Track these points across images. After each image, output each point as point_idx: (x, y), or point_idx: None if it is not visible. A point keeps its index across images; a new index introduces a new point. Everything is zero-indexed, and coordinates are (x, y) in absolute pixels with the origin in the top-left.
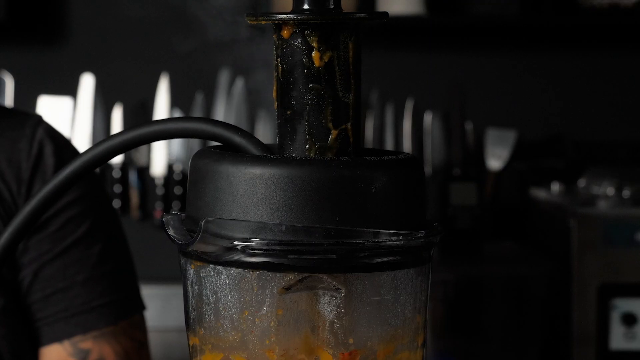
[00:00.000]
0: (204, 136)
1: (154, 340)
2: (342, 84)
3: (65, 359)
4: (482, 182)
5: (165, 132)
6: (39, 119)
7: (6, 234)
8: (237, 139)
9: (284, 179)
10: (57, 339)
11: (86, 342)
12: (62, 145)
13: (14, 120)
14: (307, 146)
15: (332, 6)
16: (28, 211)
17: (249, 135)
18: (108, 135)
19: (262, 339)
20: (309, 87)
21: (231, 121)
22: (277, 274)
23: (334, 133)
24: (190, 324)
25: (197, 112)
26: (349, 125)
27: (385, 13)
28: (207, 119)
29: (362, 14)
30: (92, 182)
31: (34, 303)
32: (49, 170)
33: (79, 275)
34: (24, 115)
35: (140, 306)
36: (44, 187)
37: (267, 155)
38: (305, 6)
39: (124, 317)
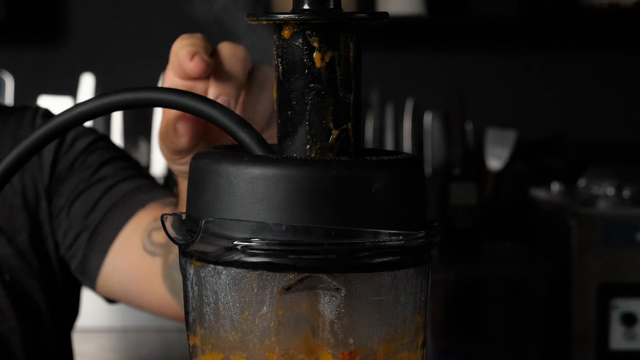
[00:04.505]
0: (210, 120)
1: (154, 340)
2: (342, 84)
3: (161, 210)
4: (482, 182)
5: (177, 103)
6: (38, 106)
7: None
8: (242, 134)
9: (284, 179)
10: (141, 205)
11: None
12: None
13: (17, 117)
14: (308, 146)
15: (332, 6)
16: None
17: (255, 133)
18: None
19: (262, 339)
20: (309, 87)
21: None
22: (277, 274)
23: (334, 133)
24: (190, 324)
25: None
26: (349, 125)
27: (386, 13)
28: (221, 105)
29: (363, 14)
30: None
31: (77, 222)
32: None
33: (116, 176)
34: (25, 108)
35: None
36: (12, 149)
37: (267, 155)
38: (306, 6)
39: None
